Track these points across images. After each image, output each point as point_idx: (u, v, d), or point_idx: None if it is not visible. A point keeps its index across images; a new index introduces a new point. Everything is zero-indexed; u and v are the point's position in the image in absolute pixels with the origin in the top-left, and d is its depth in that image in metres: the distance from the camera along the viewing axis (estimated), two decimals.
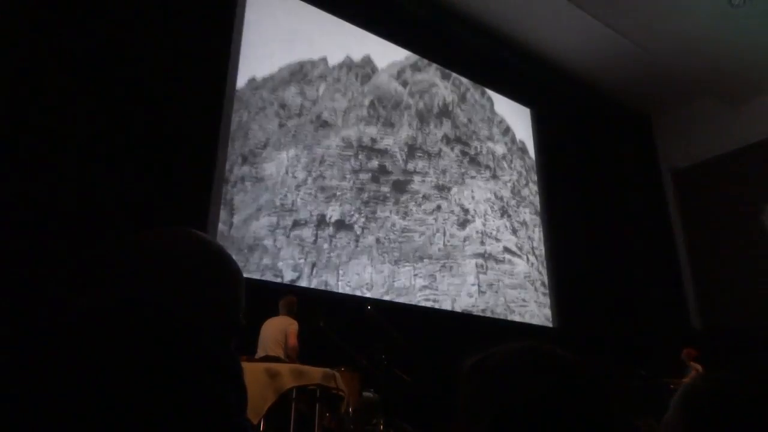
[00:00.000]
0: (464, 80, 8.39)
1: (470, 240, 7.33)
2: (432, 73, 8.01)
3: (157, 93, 5.11)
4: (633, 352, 7.74)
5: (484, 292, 7.17)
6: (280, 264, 5.55)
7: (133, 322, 0.66)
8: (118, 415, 0.58)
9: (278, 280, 5.48)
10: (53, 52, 4.68)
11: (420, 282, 6.56)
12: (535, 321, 7.70)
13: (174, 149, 5.10)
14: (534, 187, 8.76)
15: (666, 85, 9.28)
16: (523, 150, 8.90)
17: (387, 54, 7.51)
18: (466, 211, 7.47)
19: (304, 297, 5.03)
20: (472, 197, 7.65)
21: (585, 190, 9.21)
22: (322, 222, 6.03)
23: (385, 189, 6.73)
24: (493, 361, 0.82)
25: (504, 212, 8.01)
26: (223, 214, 5.37)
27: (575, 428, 0.74)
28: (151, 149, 4.95)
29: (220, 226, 5.31)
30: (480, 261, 7.31)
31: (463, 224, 7.35)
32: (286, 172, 5.97)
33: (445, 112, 7.89)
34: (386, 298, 6.16)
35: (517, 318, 7.43)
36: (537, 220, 8.53)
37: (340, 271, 5.95)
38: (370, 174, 6.67)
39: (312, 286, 5.68)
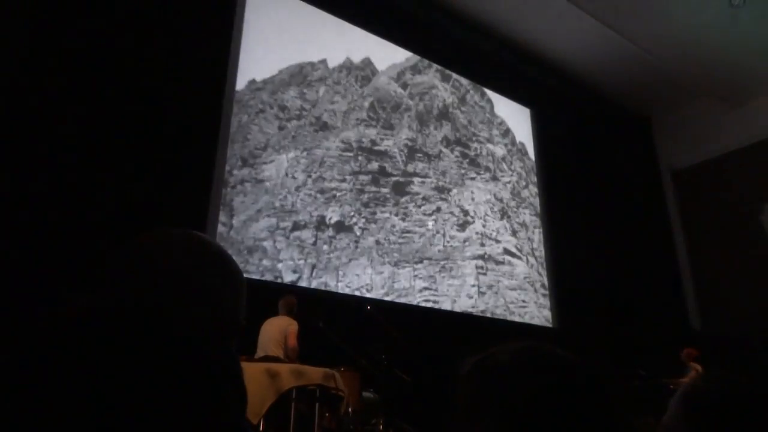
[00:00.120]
0: (464, 82, 8.40)
1: (470, 241, 7.33)
2: (432, 75, 8.02)
3: (157, 95, 5.11)
4: (633, 352, 7.74)
5: (483, 293, 7.17)
6: (279, 266, 5.55)
7: (133, 322, 0.67)
8: (117, 415, 0.58)
9: (278, 281, 5.48)
10: (52, 52, 4.68)
11: (420, 283, 6.56)
12: (535, 322, 7.70)
13: (174, 151, 5.10)
14: (534, 189, 8.77)
15: (666, 85, 9.28)
16: (522, 151, 8.90)
17: (387, 56, 7.51)
18: (465, 212, 7.48)
19: (304, 297, 5.03)
20: (472, 199, 7.66)
21: (585, 191, 9.21)
22: (321, 223, 6.03)
23: (385, 191, 6.73)
24: (493, 362, 0.82)
25: (504, 214, 8.02)
26: (222, 216, 5.37)
27: (575, 428, 0.74)
28: (151, 151, 4.95)
29: (220, 228, 5.31)
30: (480, 262, 7.31)
31: (462, 226, 7.35)
32: (286, 174, 5.97)
33: (444, 114, 7.90)
34: (386, 299, 6.16)
35: (516, 319, 7.43)
36: (537, 221, 8.53)
37: (340, 273, 5.95)
38: (369, 176, 6.67)
39: (312, 288, 5.68)
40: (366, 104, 7.04)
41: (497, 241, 7.69)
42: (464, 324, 6.64)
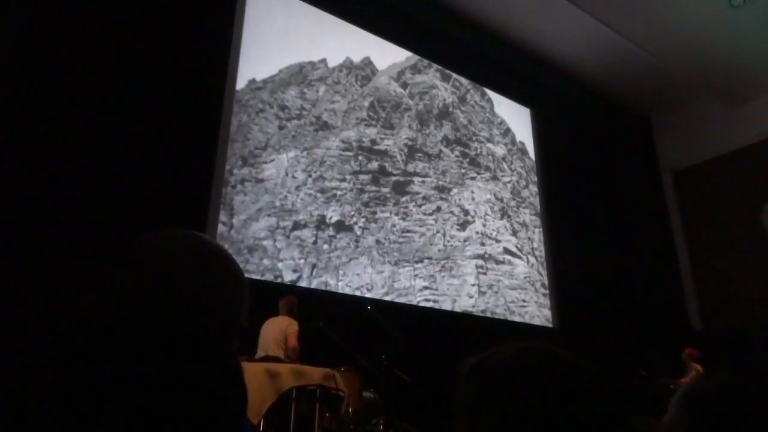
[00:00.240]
0: (464, 82, 8.40)
1: (470, 241, 7.33)
2: (432, 74, 8.02)
3: (157, 94, 5.11)
4: (633, 352, 7.74)
5: (484, 293, 7.17)
6: (280, 265, 5.55)
7: (135, 323, 0.67)
8: (119, 415, 0.58)
9: (278, 281, 5.48)
10: (52, 52, 4.68)
11: (420, 283, 6.56)
12: (535, 322, 7.70)
13: (174, 151, 5.09)
14: (534, 188, 8.77)
15: (666, 85, 9.28)
16: (523, 151, 8.90)
17: (387, 55, 7.52)
18: (466, 212, 7.48)
19: (304, 297, 5.03)
20: (472, 198, 7.66)
21: (585, 190, 9.21)
22: (322, 223, 6.03)
23: (385, 190, 6.73)
24: (493, 362, 0.82)
25: (504, 213, 8.02)
26: (222, 215, 5.37)
27: (576, 428, 0.74)
28: (151, 150, 4.95)
29: (220, 228, 5.31)
30: (480, 262, 7.31)
31: (463, 225, 7.35)
32: (286, 174, 5.97)
33: (445, 114, 7.90)
34: (386, 299, 6.16)
35: (517, 318, 7.43)
36: (537, 221, 8.53)
37: (340, 272, 5.95)
38: (370, 175, 6.67)
39: (312, 287, 5.68)
40: (366, 104, 7.04)
41: (497, 241, 7.69)
42: (464, 324, 6.64)
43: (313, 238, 5.89)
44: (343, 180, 6.40)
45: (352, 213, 6.32)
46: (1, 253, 3.96)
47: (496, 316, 7.15)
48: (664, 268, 9.55)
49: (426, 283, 6.61)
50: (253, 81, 6.07)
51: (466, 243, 7.27)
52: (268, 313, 4.64)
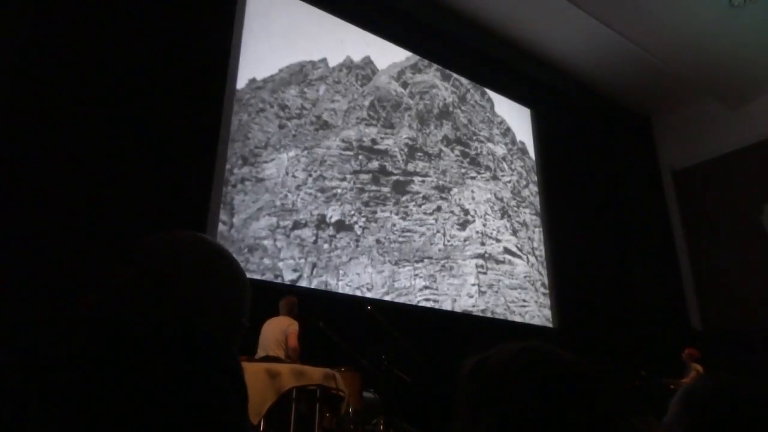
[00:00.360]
0: (464, 81, 8.40)
1: (470, 240, 7.33)
2: (432, 74, 8.02)
3: (158, 94, 5.11)
4: (633, 352, 7.74)
5: (484, 293, 7.17)
6: (280, 264, 5.55)
7: (136, 323, 0.67)
8: (120, 414, 0.58)
9: (278, 280, 5.48)
10: (52, 52, 4.68)
11: (420, 282, 6.56)
12: (536, 321, 7.70)
13: (174, 150, 5.09)
14: (534, 188, 8.77)
15: (666, 85, 9.28)
16: (523, 151, 8.90)
17: (387, 55, 7.51)
18: (466, 211, 7.48)
19: (305, 297, 5.03)
20: (473, 198, 7.66)
21: (585, 190, 9.21)
22: (322, 222, 6.03)
23: (386, 190, 6.73)
24: (493, 362, 0.82)
25: (504, 213, 8.02)
26: (223, 214, 5.37)
27: (576, 428, 0.74)
28: (151, 150, 4.95)
29: (221, 227, 5.32)
30: (480, 261, 7.31)
31: (463, 225, 7.35)
32: (287, 173, 5.97)
33: (445, 114, 7.90)
34: (386, 298, 6.16)
35: (517, 318, 7.43)
36: (537, 220, 8.53)
37: (341, 272, 5.95)
38: (370, 175, 6.67)
39: (312, 287, 5.68)
40: (366, 103, 7.04)
41: (498, 241, 7.69)
42: (464, 323, 6.64)
43: (314, 238, 5.89)
44: (344, 179, 6.41)
45: (353, 212, 6.32)
46: (2, 254, 3.96)
47: (496, 316, 7.15)
48: (664, 268, 9.55)
49: (426, 283, 6.61)
50: (253, 80, 6.07)
51: (467, 242, 7.27)
52: (268, 313, 4.63)
